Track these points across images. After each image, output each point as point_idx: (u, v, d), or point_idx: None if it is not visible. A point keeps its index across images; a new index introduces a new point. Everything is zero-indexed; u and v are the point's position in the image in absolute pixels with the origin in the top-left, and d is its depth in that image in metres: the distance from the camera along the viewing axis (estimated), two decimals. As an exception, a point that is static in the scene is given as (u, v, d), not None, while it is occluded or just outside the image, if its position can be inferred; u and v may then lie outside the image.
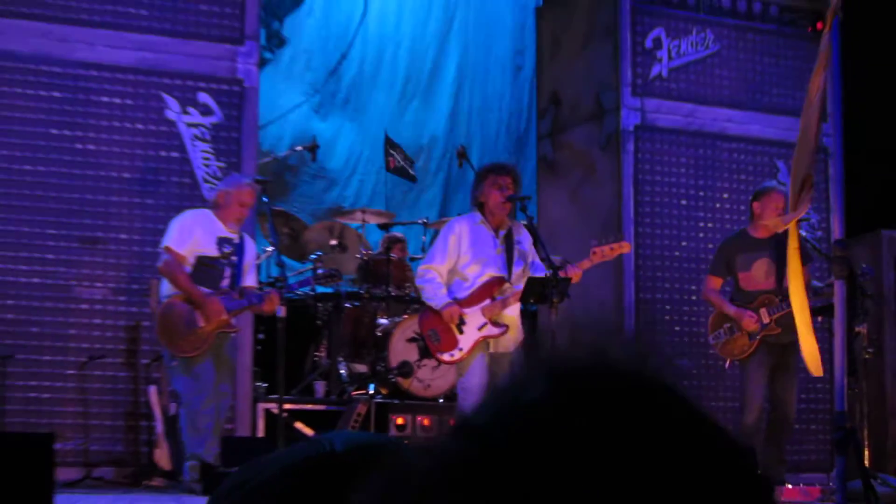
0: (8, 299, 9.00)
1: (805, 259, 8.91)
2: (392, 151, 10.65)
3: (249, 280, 8.75)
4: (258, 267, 9.15)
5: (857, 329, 8.59)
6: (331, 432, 1.45)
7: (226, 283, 8.51)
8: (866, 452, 8.88)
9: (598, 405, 0.73)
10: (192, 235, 8.45)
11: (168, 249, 8.40)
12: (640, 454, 0.71)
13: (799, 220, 8.90)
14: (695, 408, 0.77)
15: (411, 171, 10.52)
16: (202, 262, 8.45)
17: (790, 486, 9.31)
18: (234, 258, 8.52)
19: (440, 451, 0.77)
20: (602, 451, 0.70)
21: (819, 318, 9.06)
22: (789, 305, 8.94)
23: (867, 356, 9.29)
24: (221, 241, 8.50)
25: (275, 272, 9.13)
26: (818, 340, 9.87)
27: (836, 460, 7.99)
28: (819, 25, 8.61)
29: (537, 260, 8.63)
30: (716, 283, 9.40)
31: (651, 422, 0.73)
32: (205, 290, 8.39)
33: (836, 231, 8.26)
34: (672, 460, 0.72)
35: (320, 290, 9.92)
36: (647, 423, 0.73)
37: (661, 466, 0.71)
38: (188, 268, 8.42)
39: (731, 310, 9.15)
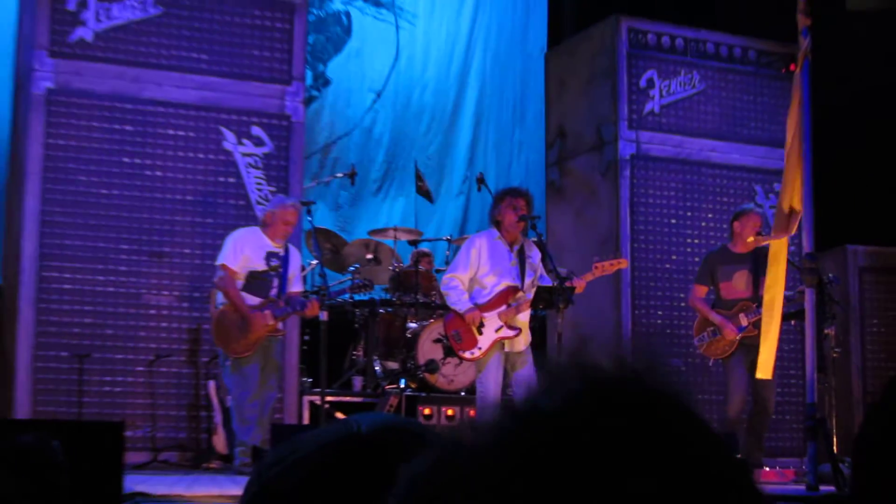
0: (86, 305, 9.01)
1: (762, 269, 8.94)
2: (419, 180, 10.64)
3: (295, 287, 8.75)
4: (304, 277, 9.12)
5: (825, 331, 8.55)
6: (358, 414, 1.47)
7: (274, 291, 8.51)
8: (835, 440, 8.83)
9: (619, 408, 0.75)
10: (243, 253, 8.46)
11: (223, 267, 8.44)
12: (652, 451, 0.73)
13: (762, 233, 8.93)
14: (694, 412, 0.79)
15: (432, 194, 10.49)
16: (253, 275, 8.46)
17: (767, 469, 9.27)
18: (281, 270, 8.51)
19: (492, 432, 0.77)
20: (621, 445, 0.72)
21: (792, 322, 9.05)
22: (760, 311, 8.97)
23: (835, 355, 9.25)
24: (269, 256, 8.50)
25: (318, 282, 9.14)
26: (791, 342, 9.89)
27: (807, 446, 7.96)
28: (792, 67, 8.54)
29: (544, 272, 8.66)
30: (701, 291, 9.39)
31: (661, 424, 0.76)
32: (255, 298, 8.42)
33: (807, 245, 8.27)
34: (679, 457, 0.74)
35: (357, 297, 9.93)
36: (657, 425, 0.75)
37: (669, 461, 0.73)
38: (241, 281, 8.43)
39: (715, 318, 9.13)
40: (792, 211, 8.37)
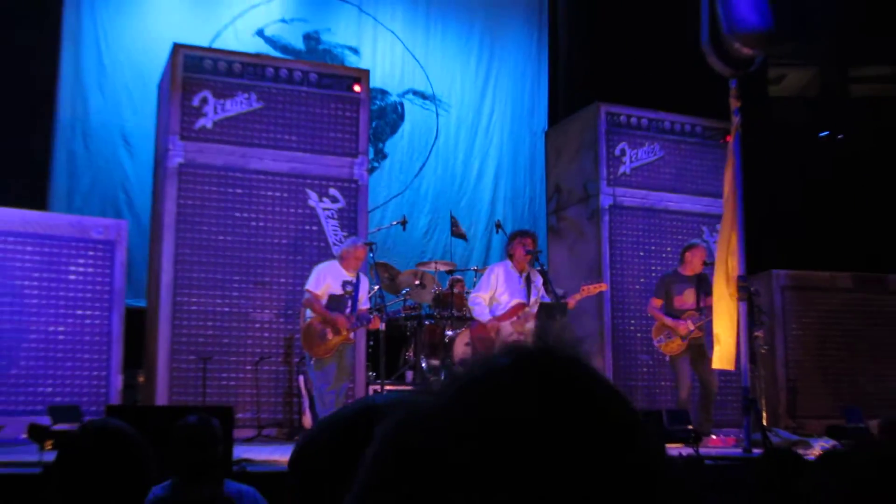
0: (208, 321, 9.03)
1: (708, 292, 8.93)
2: (454, 226, 10.62)
3: (364, 305, 8.68)
4: (370, 298, 9.08)
5: (755, 333, 8.48)
6: (377, 393, 1.49)
7: (348, 310, 8.43)
8: (764, 415, 8.77)
9: (541, 370, 0.73)
10: (325, 281, 8.42)
11: (309, 291, 8.42)
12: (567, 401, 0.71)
13: (711, 264, 8.87)
14: (594, 370, 0.75)
15: (466, 235, 10.49)
16: (332, 298, 8.41)
17: (714, 437, 9.17)
18: (353, 293, 8.44)
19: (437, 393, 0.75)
20: (540, 395, 0.70)
21: None
22: (705, 317, 8.93)
23: (763, 351, 9.18)
24: (345, 283, 8.44)
25: (378, 302, 9.12)
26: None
27: (743, 420, 7.89)
28: (728, 138, 8.51)
29: (545, 293, 8.62)
30: (657, 302, 9.36)
31: (573, 381, 0.73)
32: (334, 314, 8.36)
33: (739, 268, 8.19)
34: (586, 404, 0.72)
35: (408, 312, 9.95)
36: (570, 383, 0.73)
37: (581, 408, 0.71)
38: (323, 301, 8.38)
39: (669, 322, 9.14)
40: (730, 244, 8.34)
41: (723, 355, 8.39)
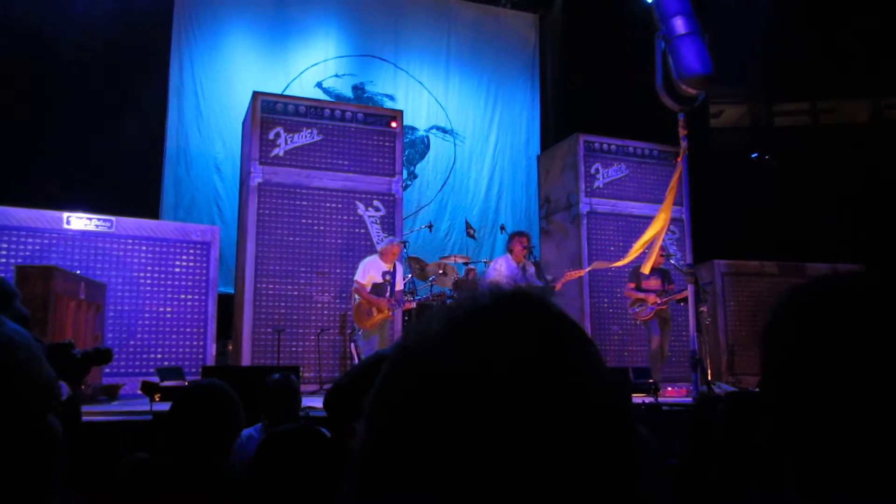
0: (281, 302, 9.00)
1: (667, 278, 8.85)
2: (469, 228, 10.53)
3: (400, 286, 8.60)
4: (404, 284, 9.03)
5: (701, 308, 8.40)
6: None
7: (387, 293, 8.37)
8: (709, 371, 8.68)
9: (514, 305, 0.71)
10: (369, 273, 8.37)
11: (357, 281, 8.37)
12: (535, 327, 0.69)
13: (667, 255, 8.77)
14: (559, 312, 0.73)
15: (476, 237, 10.42)
16: (375, 285, 8.35)
17: (670, 388, 9.09)
18: (391, 281, 8.37)
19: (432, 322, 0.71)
20: (512, 321, 0.68)
21: (681, 304, 8.90)
22: (668, 296, 8.85)
23: (707, 322, 9.14)
24: (384, 273, 8.37)
25: (409, 287, 9.04)
26: (682, 316, 9.64)
27: (692, 375, 7.81)
28: (678, 159, 8.41)
29: (536, 278, 8.55)
30: (631, 286, 9.25)
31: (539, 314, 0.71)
32: (376, 298, 8.30)
33: (688, 259, 8.12)
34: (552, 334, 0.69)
35: (433, 296, 9.89)
36: (538, 314, 0.71)
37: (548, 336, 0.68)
38: (368, 287, 8.32)
39: (641, 295, 9.02)
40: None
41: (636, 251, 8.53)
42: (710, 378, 8.52)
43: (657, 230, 8.16)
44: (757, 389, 8.39)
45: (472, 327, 0.67)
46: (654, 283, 9.16)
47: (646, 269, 8.54)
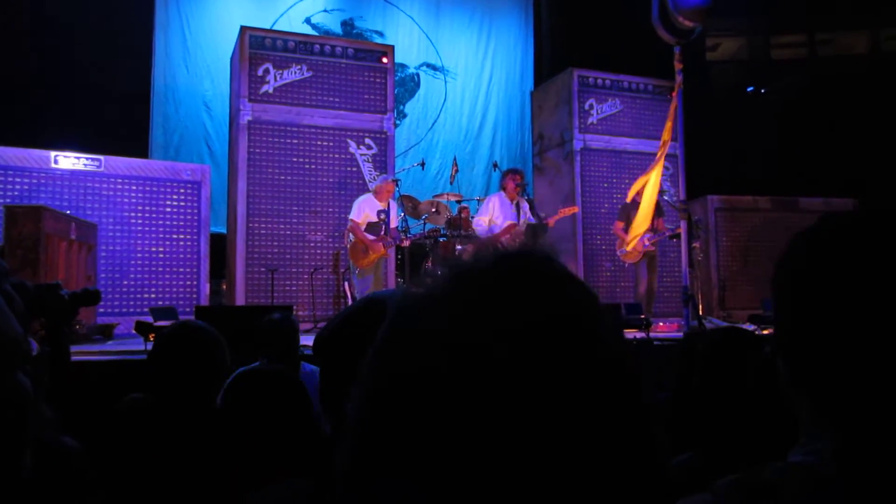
0: (273, 241, 8.99)
1: (659, 212, 8.83)
2: (454, 168, 10.43)
3: (394, 223, 8.59)
4: (398, 222, 9.01)
5: (693, 244, 8.39)
6: (378, 291, 1.42)
7: (382, 231, 8.36)
8: (700, 307, 8.73)
9: (520, 263, 0.67)
10: (363, 211, 8.33)
11: (352, 220, 8.33)
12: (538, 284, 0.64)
13: (661, 191, 8.76)
14: (563, 268, 0.68)
15: (451, 181, 10.33)
16: (370, 224, 8.32)
17: (662, 324, 9.17)
18: (386, 219, 8.36)
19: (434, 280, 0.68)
20: (518, 282, 0.64)
21: (674, 240, 8.93)
22: (657, 235, 8.86)
23: (699, 258, 9.16)
24: (380, 212, 8.34)
25: (402, 225, 9.01)
26: (675, 251, 9.67)
27: (684, 310, 7.87)
28: (673, 93, 8.34)
29: (531, 216, 8.52)
30: (619, 224, 9.25)
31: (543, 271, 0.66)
32: (372, 236, 8.28)
33: (681, 194, 8.11)
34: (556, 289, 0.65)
35: (427, 234, 9.89)
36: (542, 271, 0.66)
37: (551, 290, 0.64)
38: (363, 226, 8.30)
39: (628, 237, 9.01)
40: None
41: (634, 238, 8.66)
42: (701, 313, 8.57)
43: (656, 176, 8.17)
44: (746, 325, 8.42)
45: (478, 291, 0.64)
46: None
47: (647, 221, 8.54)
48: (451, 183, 10.25)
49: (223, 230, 9.95)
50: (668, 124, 8.27)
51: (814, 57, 15.36)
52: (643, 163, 10.78)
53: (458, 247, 9.98)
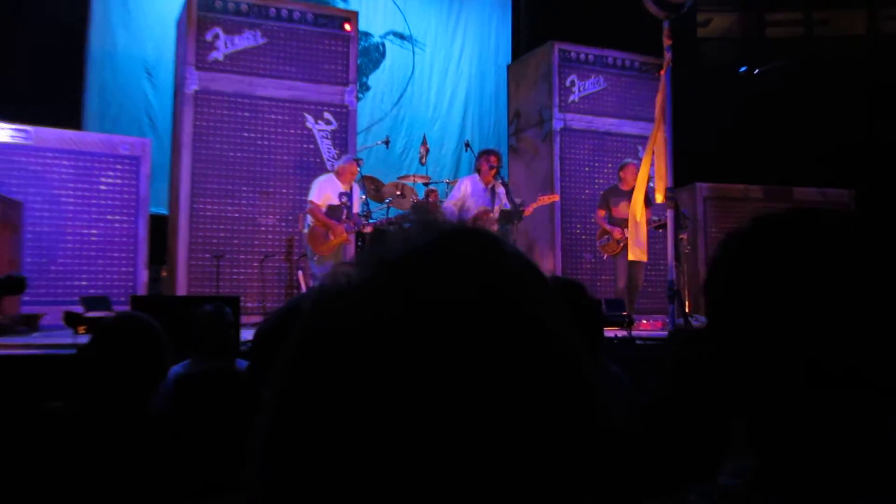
0: (220, 224, 8.93)
1: (648, 203, 8.84)
2: (422, 147, 10.38)
3: (357, 208, 8.58)
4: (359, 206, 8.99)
5: (680, 236, 8.42)
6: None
7: (344, 216, 8.31)
8: (687, 304, 8.79)
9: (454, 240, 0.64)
10: (324, 193, 8.29)
11: (311, 202, 8.28)
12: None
13: (648, 180, 8.77)
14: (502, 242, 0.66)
15: (424, 162, 10.27)
16: (331, 207, 8.28)
17: (646, 322, 9.22)
18: (348, 203, 8.31)
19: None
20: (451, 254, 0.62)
21: (660, 231, 8.97)
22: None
23: (686, 251, 9.21)
24: (341, 195, 8.29)
25: (364, 209, 8.99)
26: (660, 243, 9.72)
27: (669, 307, 7.91)
28: (661, 72, 8.35)
29: (506, 201, 8.50)
30: (601, 213, 9.28)
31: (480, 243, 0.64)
32: (333, 220, 8.24)
33: (669, 183, 8.14)
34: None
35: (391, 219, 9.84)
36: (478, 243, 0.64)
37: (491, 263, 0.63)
38: (323, 209, 8.25)
39: (609, 228, 9.05)
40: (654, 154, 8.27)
41: (636, 250, 8.61)
42: (687, 310, 8.62)
43: (657, 153, 8.16)
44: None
45: (404, 286, 0.60)
46: (625, 207, 9.14)
47: (660, 199, 8.52)
48: (421, 164, 10.20)
49: (164, 211, 9.83)
50: (659, 102, 8.27)
51: (810, 36, 15.50)
52: (627, 146, 10.83)
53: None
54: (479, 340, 0.57)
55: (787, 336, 0.87)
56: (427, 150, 10.14)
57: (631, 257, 8.66)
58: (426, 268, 0.61)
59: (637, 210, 8.50)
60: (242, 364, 4.29)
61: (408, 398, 0.55)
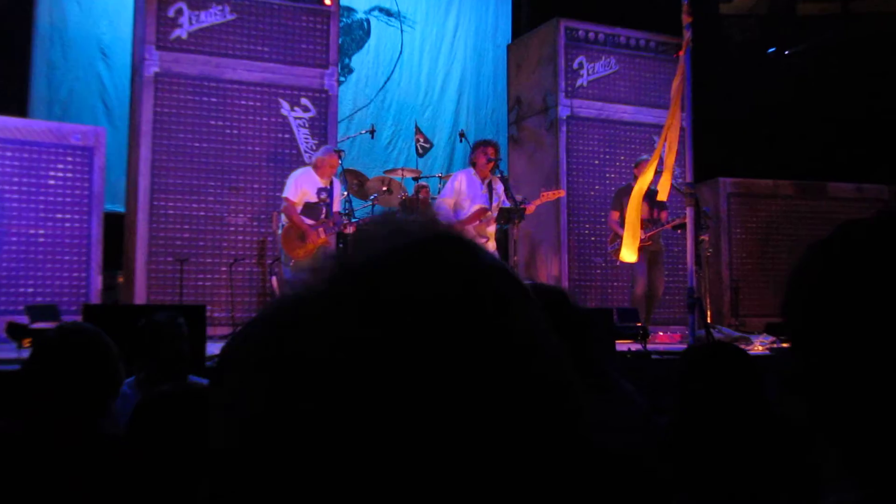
0: (185, 224, 8.96)
1: (662, 206, 8.87)
2: (418, 136, 10.43)
3: (337, 206, 8.54)
4: (340, 203, 8.98)
5: (701, 237, 8.45)
6: None
7: (323, 215, 8.32)
8: (708, 313, 8.82)
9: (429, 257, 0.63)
10: (301, 189, 8.29)
11: (286, 199, 8.27)
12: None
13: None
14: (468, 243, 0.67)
15: (422, 153, 10.29)
16: (308, 205, 8.28)
17: (662, 333, 9.24)
18: (328, 200, 8.31)
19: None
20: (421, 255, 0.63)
21: (678, 231, 9.00)
22: (657, 227, 8.93)
23: (708, 254, 9.27)
24: (320, 191, 8.30)
25: (347, 206, 8.96)
26: (679, 245, 9.74)
27: (689, 317, 7.93)
28: (680, 52, 8.38)
29: (505, 198, 8.54)
30: (615, 215, 9.32)
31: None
32: (310, 220, 8.23)
33: (688, 177, 8.19)
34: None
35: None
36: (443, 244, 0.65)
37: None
38: (300, 207, 8.25)
39: (622, 231, 9.04)
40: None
41: (627, 251, 8.57)
42: (709, 320, 8.65)
43: (669, 143, 8.18)
44: (763, 337, 8.49)
45: (365, 297, 0.60)
46: (641, 210, 9.19)
47: (663, 195, 8.52)
48: (419, 156, 10.24)
49: (121, 209, 9.82)
50: (675, 86, 8.29)
51: (846, 13, 15.54)
52: (643, 137, 10.87)
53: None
54: (445, 359, 0.57)
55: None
56: (425, 140, 10.18)
57: (622, 258, 8.70)
58: (387, 277, 0.61)
59: (634, 205, 8.49)
60: (202, 382, 4.30)
61: (362, 431, 0.55)
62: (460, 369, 0.57)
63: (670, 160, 8.26)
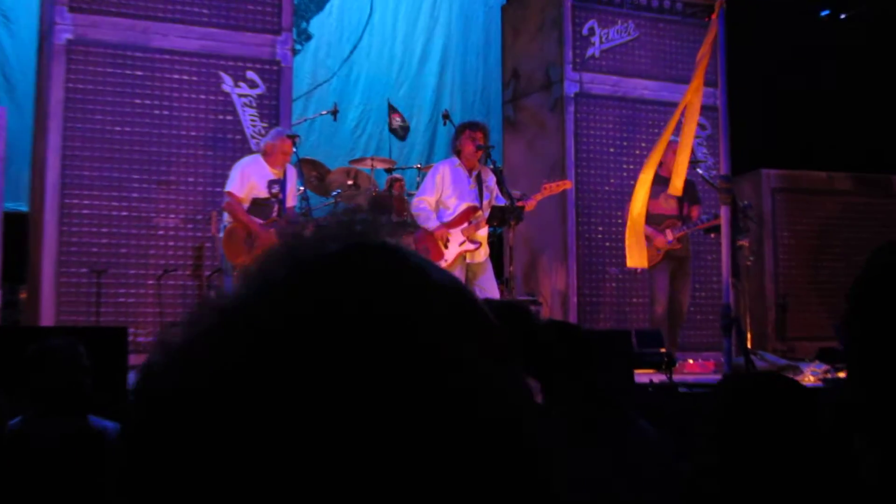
0: (103, 227, 8.93)
1: (694, 200, 8.86)
2: (393, 115, 10.41)
3: (292, 201, 8.62)
4: (296, 199, 8.98)
5: (739, 242, 8.46)
6: None
7: (274, 213, 8.37)
8: (749, 336, 8.79)
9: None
10: (247, 182, 8.35)
11: (230, 194, 8.31)
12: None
13: (694, 161, 8.79)
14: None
15: (402, 134, 10.30)
16: (256, 202, 8.35)
17: (692, 361, 9.22)
18: (281, 196, 8.36)
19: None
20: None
21: (712, 235, 9.01)
22: (687, 227, 8.92)
23: (749, 263, 9.27)
24: (271, 183, 8.35)
25: (303, 205, 8.96)
26: (712, 252, 9.75)
27: (724, 341, 7.90)
28: (712, 16, 8.41)
29: (499, 194, 8.59)
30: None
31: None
32: (259, 220, 8.28)
33: (723, 169, 8.20)
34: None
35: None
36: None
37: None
38: (246, 205, 8.31)
39: (647, 230, 9.00)
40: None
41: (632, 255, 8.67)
42: (749, 345, 8.62)
43: (685, 123, 8.19)
44: (815, 365, 8.52)
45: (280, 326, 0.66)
46: (668, 204, 9.13)
47: (676, 188, 8.48)
48: (400, 139, 10.21)
49: (24, 208, 9.84)
50: (705, 49, 8.32)
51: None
52: (666, 117, 10.77)
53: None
54: (355, 392, 0.61)
55: None
56: (402, 119, 10.16)
57: (630, 263, 8.76)
58: (280, 299, 0.67)
59: (638, 201, 8.54)
60: (96, 423, 4.34)
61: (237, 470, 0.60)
62: (369, 404, 0.61)
63: (687, 139, 8.26)
